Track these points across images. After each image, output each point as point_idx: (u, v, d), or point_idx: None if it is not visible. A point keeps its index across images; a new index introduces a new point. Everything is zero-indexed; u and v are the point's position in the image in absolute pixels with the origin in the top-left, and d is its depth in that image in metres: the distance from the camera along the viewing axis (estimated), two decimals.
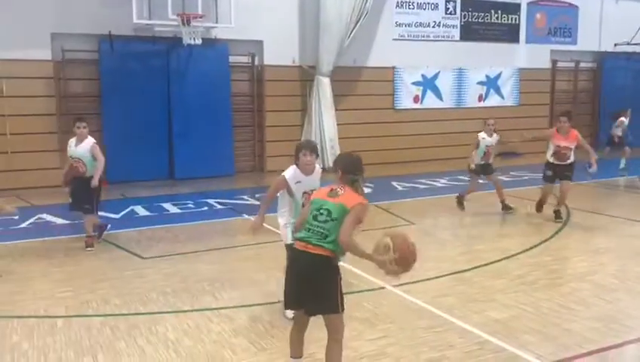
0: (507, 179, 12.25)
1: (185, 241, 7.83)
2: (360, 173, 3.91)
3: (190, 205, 10.16)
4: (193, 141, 12.49)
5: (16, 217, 8.07)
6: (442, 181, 12.18)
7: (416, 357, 4.39)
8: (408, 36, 14.93)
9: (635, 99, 17.12)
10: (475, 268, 6.49)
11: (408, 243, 3.62)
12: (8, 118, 11.24)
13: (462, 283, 6.02)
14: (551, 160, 8.56)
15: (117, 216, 9.14)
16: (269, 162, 13.62)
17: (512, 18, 16.25)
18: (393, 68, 14.82)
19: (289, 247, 5.19)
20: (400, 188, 11.57)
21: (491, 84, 16.24)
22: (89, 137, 7.47)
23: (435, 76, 15.42)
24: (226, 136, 13.00)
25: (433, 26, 15.21)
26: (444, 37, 15.37)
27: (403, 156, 14.59)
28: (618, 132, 13.57)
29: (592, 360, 4.37)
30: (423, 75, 15.25)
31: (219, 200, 10.42)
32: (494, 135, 9.30)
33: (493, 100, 16.25)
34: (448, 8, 15.35)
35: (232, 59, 13.00)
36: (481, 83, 16.08)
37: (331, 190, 3.85)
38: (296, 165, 5.14)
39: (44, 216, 9.23)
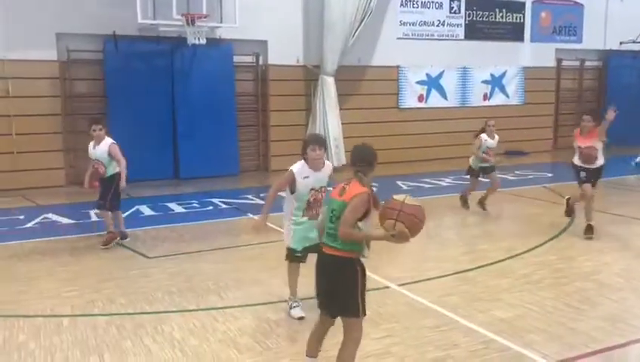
0: (512, 178, 12.23)
1: (190, 241, 7.85)
2: (364, 163, 3.82)
3: (195, 204, 10.18)
4: (198, 141, 12.51)
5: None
6: (447, 180, 12.17)
7: (421, 357, 4.40)
8: (412, 35, 14.91)
9: (639, 97, 17.07)
10: (480, 267, 6.48)
11: (414, 212, 3.60)
12: (14, 119, 11.29)
13: (466, 283, 6.01)
14: (579, 163, 7.76)
15: (122, 216, 9.15)
16: (274, 161, 13.64)
17: (516, 17, 16.20)
18: (397, 67, 14.81)
19: (290, 250, 5.19)
20: (405, 187, 11.56)
21: (496, 82, 16.20)
22: (107, 138, 7.47)
23: (440, 75, 15.40)
24: (230, 136, 13.02)
25: (437, 25, 15.19)
26: (448, 36, 15.34)
27: (407, 155, 14.58)
28: None
29: (597, 359, 4.36)
30: (427, 74, 15.23)
31: (223, 200, 10.44)
32: (496, 136, 9.21)
33: (498, 99, 16.21)
34: (453, 7, 15.32)
35: (236, 58, 13.02)
36: (485, 82, 16.04)
37: (342, 188, 3.81)
38: (305, 160, 5.01)
39: (50, 215, 9.26)
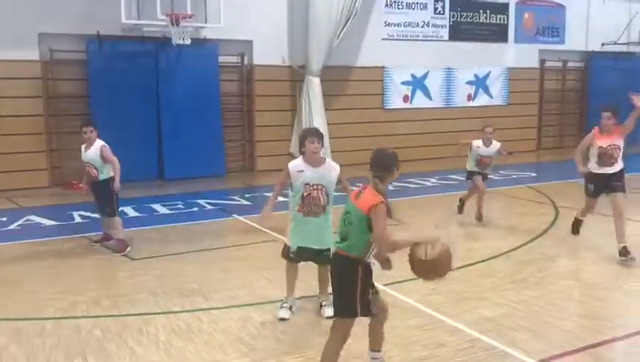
0: (496, 177, 12.29)
1: (175, 242, 7.80)
2: (380, 169, 3.77)
3: (180, 206, 10.13)
4: (183, 141, 12.44)
5: None
6: (432, 180, 12.23)
7: (407, 356, 4.41)
8: (397, 36, 14.97)
9: (622, 98, 17.24)
10: (465, 266, 6.50)
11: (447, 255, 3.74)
12: None
13: (452, 282, 6.00)
14: (594, 170, 6.90)
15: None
16: (260, 162, 13.61)
17: (500, 18, 16.33)
18: (383, 67, 14.85)
19: (286, 247, 5.18)
20: (390, 187, 11.50)
21: (480, 83, 16.31)
22: (98, 140, 7.30)
23: (425, 76, 15.46)
24: (215, 136, 12.97)
25: (422, 26, 15.26)
26: (433, 37, 15.42)
27: None
28: None
29: (581, 357, 4.40)
30: (412, 75, 15.29)
31: (209, 201, 10.39)
32: (494, 143, 8.48)
33: (482, 100, 16.32)
34: (437, 8, 15.40)
35: (221, 59, 12.98)
36: (470, 82, 16.14)
37: (358, 192, 3.82)
38: (302, 154, 4.97)
39: (33, 217, 9.15)
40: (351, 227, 3.72)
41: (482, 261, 6.69)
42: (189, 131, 12.44)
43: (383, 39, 14.77)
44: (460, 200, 8.98)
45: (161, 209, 9.91)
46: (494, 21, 16.27)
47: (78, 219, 8.94)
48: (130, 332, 4.89)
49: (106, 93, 11.70)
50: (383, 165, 3.79)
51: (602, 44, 17.42)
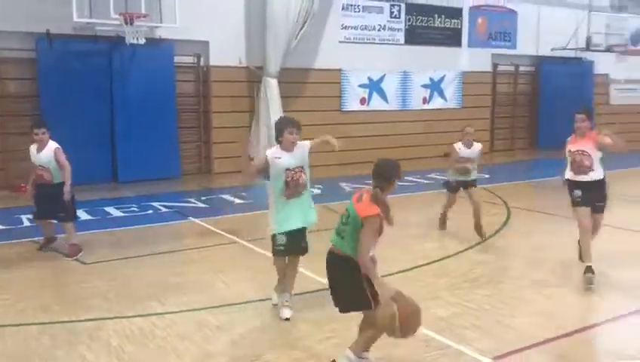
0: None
1: (129, 246, 7.64)
2: (380, 179, 3.92)
3: (134, 208, 9.94)
4: (137, 143, 12.20)
5: None
6: (430, 175, 12.27)
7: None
8: (354, 39, 15.08)
9: (570, 101, 17.81)
10: (419, 266, 6.60)
11: (413, 315, 3.75)
12: None
13: (406, 282, 6.09)
14: (570, 177, 6.25)
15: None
16: (217, 164, 13.48)
17: (454, 22, 16.64)
18: (340, 70, 14.93)
19: (274, 240, 5.15)
20: (348, 188, 11.64)
21: (435, 86, 16.58)
22: (51, 142, 7.05)
23: (381, 79, 15.62)
24: (171, 138, 12.78)
25: (379, 30, 15.41)
26: (389, 40, 15.59)
27: (351, 157, 14.67)
28: None
29: (532, 353, 4.51)
30: (369, 78, 15.43)
31: (164, 203, 10.23)
32: (475, 145, 7.89)
33: (437, 103, 16.60)
34: (393, 12, 15.59)
35: (177, 59, 12.80)
36: (425, 86, 16.39)
37: (360, 195, 3.96)
38: (279, 143, 5.03)
39: None
40: (347, 227, 3.92)
41: (436, 261, 6.80)
42: (143, 132, 12.22)
43: (340, 42, 14.86)
44: (441, 216, 8.26)
45: (114, 212, 9.70)
46: (449, 25, 16.56)
47: (26, 223, 8.66)
48: (80, 338, 4.76)
49: (57, 93, 11.38)
50: (384, 176, 3.95)
51: (552, 49, 17.95)
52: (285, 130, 4.98)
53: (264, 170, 5.13)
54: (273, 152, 5.06)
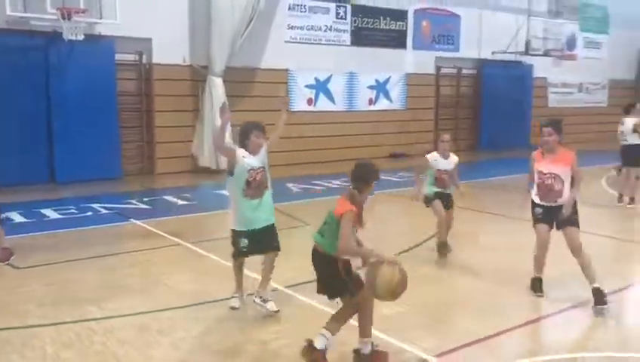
0: (396, 179, 12.68)
1: (66, 249, 7.36)
2: (358, 181, 4.13)
3: (73, 210, 9.59)
4: (76, 142, 11.79)
5: None
6: (336, 182, 12.37)
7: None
8: (301, 39, 15.06)
9: (510, 104, 18.43)
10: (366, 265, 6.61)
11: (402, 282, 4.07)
12: None
13: None
14: (536, 199, 5.57)
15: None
16: (160, 164, 13.19)
17: (399, 25, 16.87)
18: (287, 70, 14.89)
19: (235, 241, 5.20)
20: (295, 189, 11.63)
21: (381, 88, 16.76)
22: None
23: (328, 80, 15.67)
24: (112, 137, 12.41)
25: (325, 30, 15.45)
26: (335, 41, 15.66)
27: (298, 158, 14.68)
28: None
29: (474, 350, 4.59)
30: (315, 79, 15.44)
31: (104, 205, 9.92)
32: (451, 156, 7.06)
33: (382, 104, 16.78)
34: (339, 13, 15.66)
35: (118, 56, 12.45)
36: (371, 87, 16.55)
37: (342, 195, 4.18)
38: (245, 146, 5.11)
39: None
40: (327, 226, 4.16)
41: None
42: (83, 131, 11.82)
43: (287, 42, 14.81)
44: (437, 238, 7.12)
45: (51, 214, 9.33)
46: (394, 28, 16.78)
47: None
48: (13, 346, 4.54)
49: None
50: (361, 178, 4.16)
51: (492, 53, 18.47)
52: (252, 135, 5.09)
53: (228, 155, 5.18)
54: (242, 151, 5.12)
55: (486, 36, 18.30)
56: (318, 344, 4.14)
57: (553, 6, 19.81)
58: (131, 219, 8.93)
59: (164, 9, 12.73)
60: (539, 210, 5.53)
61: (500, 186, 12.13)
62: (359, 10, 15.99)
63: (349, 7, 15.80)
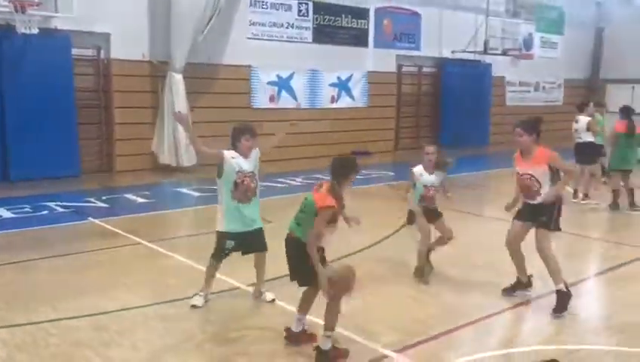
0: (358, 176, 12.68)
1: (20, 249, 7.16)
2: (337, 175, 4.26)
3: (28, 209, 9.33)
4: (31, 139, 11.42)
5: None
6: (298, 180, 12.39)
7: (271, 356, 4.40)
8: (262, 36, 14.97)
9: (470, 102, 18.74)
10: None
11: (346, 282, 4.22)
12: None
13: None
14: (521, 197, 5.66)
15: None
16: (119, 161, 12.94)
17: (361, 23, 16.94)
18: (249, 67, 14.79)
19: (219, 240, 5.29)
20: (263, 187, 11.54)
21: (343, 86, 16.80)
22: None
23: (290, 77, 15.63)
24: (69, 134, 12.07)
25: (287, 27, 15.40)
26: (297, 38, 15.62)
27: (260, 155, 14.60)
28: None
29: (434, 344, 4.67)
30: (278, 75, 15.38)
31: (61, 203, 9.68)
32: (436, 172, 6.24)
33: (344, 102, 16.83)
34: (301, 10, 15.63)
35: (75, 51, 12.14)
36: (333, 85, 16.57)
37: (320, 185, 4.30)
38: (235, 148, 5.15)
39: None
40: (304, 215, 4.25)
41: (342, 257, 6.85)
42: (38, 128, 11.47)
43: (249, 38, 14.70)
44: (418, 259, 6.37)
45: (4, 213, 9.06)
46: (355, 26, 16.84)
47: None
48: None
49: None
50: (341, 172, 4.29)
51: (452, 52, 18.73)
52: (242, 138, 5.15)
53: (213, 158, 5.18)
54: (230, 153, 5.16)
55: (446, 35, 18.54)
56: (325, 346, 4.27)
57: (511, 6, 20.21)
58: (89, 218, 8.74)
59: (122, 3, 12.46)
60: (520, 207, 5.66)
61: (461, 183, 12.34)
62: (321, 8, 16.00)
63: (310, 4, 15.78)
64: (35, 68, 11.47)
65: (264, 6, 14.93)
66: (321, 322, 4.40)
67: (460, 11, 18.72)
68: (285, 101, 15.54)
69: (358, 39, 16.90)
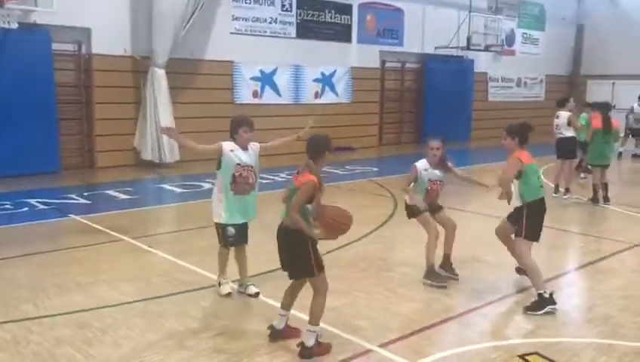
0: (342, 172, 12.80)
1: (1, 246, 7.07)
2: (313, 152, 4.32)
3: (8, 206, 9.21)
4: (10, 135, 11.31)
5: None
6: (282, 175, 12.36)
7: (254, 351, 4.40)
8: (246, 31, 14.91)
9: (452, 97, 18.85)
10: None
11: (336, 218, 4.27)
12: None
13: None
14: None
15: None
16: (100, 158, 12.83)
17: (344, 18, 16.94)
18: (232, 62, 14.72)
19: (222, 230, 5.33)
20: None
21: (326, 81, 16.81)
22: None
23: (273, 72, 15.59)
24: (49, 130, 11.97)
25: (270, 22, 15.35)
26: (280, 34, 15.58)
27: None
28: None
29: (416, 339, 4.69)
30: (261, 71, 15.34)
31: (41, 200, 9.57)
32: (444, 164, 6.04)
33: (328, 97, 16.83)
34: (284, 5, 15.59)
35: (55, 46, 12.00)
36: (317, 80, 16.57)
37: (298, 172, 4.34)
38: (233, 139, 5.17)
39: None
40: (290, 202, 4.25)
41: (327, 253, 6.86)
42: (17, 124, 11.35)
43: (232, 33, 14.63)
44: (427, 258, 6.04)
45: None
46: (339, 21, 16.84)
47: None
48: None
49: None
50: (317, 150, 4.34)
51: (435, 48, 18.81)
52: (240, 129, 5.16)
53: (213, 153, 5.21)
54: (228, 144, 5.17)
55: (429, 31, 18.61)
56: (309, 342, 4.28)
57: (493, 2, 20.34)
58: (70, 215, 8.66)
59: None
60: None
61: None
62: (304, 3, 15.96)
63: None
64: (14, 63, 11.35)
65: (247, 1, 14.87)
66: (305, 317, 4.40)
67: (443, 7, 18.80)
68: (269, 96, 15.51)
69: (342, 35, 16.91)
